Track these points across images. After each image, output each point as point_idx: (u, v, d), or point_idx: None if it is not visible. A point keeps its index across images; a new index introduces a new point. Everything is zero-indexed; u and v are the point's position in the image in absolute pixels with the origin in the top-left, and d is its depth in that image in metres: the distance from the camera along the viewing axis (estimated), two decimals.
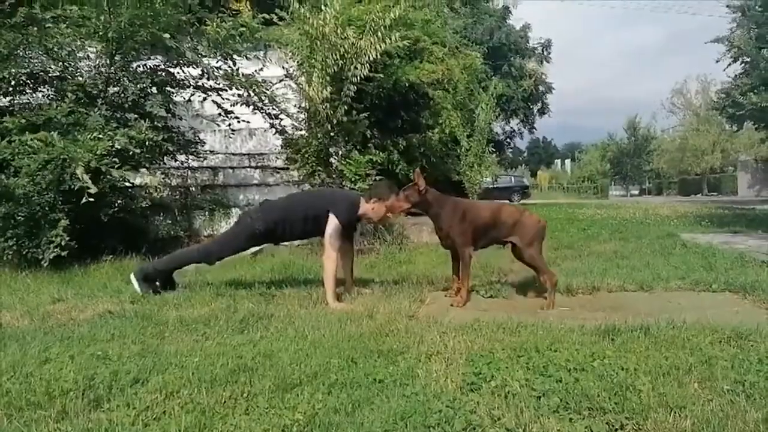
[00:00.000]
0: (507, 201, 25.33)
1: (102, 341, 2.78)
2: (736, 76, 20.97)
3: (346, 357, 2.44)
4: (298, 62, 6.68)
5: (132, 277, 4.08)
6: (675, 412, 1.83)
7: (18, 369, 2.34)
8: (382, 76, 6.85)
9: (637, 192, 55.33)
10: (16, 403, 1.99)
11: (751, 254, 5.46)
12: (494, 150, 19.08)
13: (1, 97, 5.99)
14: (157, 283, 4.11)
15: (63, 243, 4.91)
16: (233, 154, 8.45)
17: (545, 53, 28.76)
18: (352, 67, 5.98)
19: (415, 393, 2.03)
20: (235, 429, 1.79)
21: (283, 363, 2.36)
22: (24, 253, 5.06)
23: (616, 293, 4.01)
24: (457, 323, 2.99)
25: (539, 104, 28.42)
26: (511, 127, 29.56)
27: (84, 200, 4.79)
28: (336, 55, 5.89)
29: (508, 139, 30.39)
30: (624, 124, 53.49)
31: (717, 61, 20.60)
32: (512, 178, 31.32)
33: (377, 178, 6.17)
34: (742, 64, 20.17)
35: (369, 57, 5.96)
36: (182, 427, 1.78)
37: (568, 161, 71.37)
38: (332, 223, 3.81)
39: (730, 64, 20.39)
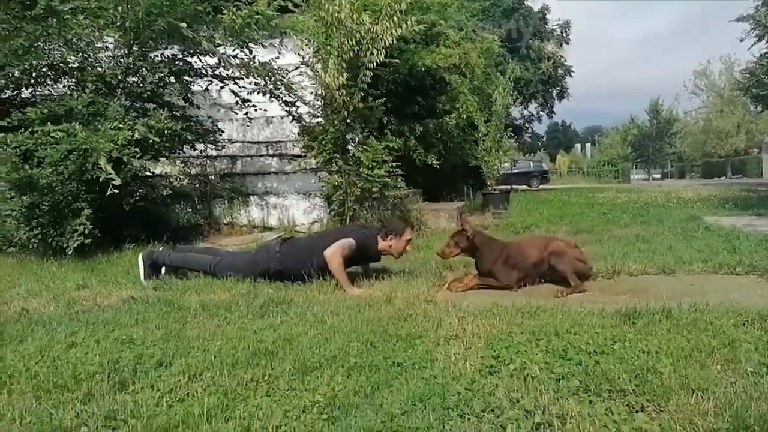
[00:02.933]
0: (526, 186, 25.13)
1: (126, 326, 2.84)
2: (761, 55, 20.34)
3: (364, 341, 2.46)
4: (314, 49, 6.66)
5: (140, 259, 4.16)
6: (697, 394, 1.81)
7: (45, 353, 2.41)
8: (398, 61, 6.80)
9: (659, 176, 54.24)
10: (44, 385, 2.05)
11: None
12: (512, 135, 18.86)
13: (24, 88, 6.10)
14: (162, 271, 4.19)
15: (86, 231, 5.02)
16: (251, 143, 8.47)
17: (564, 35, 28.25)
18: (368, 53, 5.94)
19: (433, 376, 2.04)
20: (256, 410, 1.82)
21: (303, 347, 2.39)
22: (49, 241, 5.18)
23: (637, 277, 3.96)
24: (475, 307, 2.98)
25: (558, 88, 27.92)
26: (530, 112, 29.22)
27: (109, 192, 4.88)
28: (352, 41, 5.84)
29: (526, 124, 30.07)
30: (646, 106, 52.36)
31: (741, 40, 19.99)
32: (531, 162, 31.05)
33: (394, 164, 6.15)
34: None
35: (385, 42, 5.90)
36: (205, 408, 1.81)
37: (588, 145, 70.46)
38: (342, 239, 3.85)
39: (755, 43, 19.76)
